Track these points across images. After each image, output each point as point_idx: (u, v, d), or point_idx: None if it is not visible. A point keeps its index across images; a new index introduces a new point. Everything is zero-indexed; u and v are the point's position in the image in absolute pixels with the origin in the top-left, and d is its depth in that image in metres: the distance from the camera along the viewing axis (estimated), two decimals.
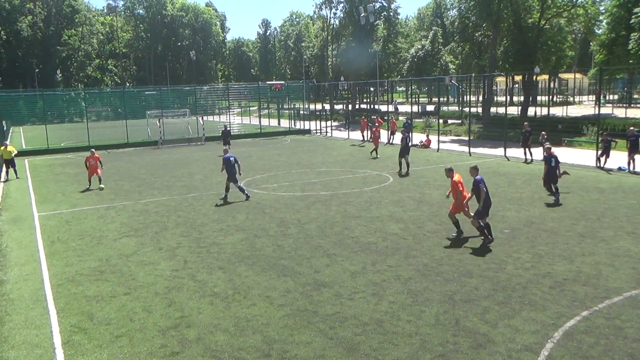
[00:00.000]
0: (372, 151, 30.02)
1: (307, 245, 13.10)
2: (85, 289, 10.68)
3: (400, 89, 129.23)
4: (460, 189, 12.99)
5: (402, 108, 68.69)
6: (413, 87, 70.04)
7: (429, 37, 70.73)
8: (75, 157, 34.74)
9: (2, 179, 25.53)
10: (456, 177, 13.10)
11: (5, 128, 44.06)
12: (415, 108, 57.86)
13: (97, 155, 22.68)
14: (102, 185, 22.36)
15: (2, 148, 26.04)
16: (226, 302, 9.72)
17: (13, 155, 26.15)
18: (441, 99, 68.28)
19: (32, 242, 14.49)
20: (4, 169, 26.50)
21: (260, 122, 51.33)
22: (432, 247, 12.58)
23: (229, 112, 55.54)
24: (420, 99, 79.18)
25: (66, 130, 48.44)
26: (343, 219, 15.59)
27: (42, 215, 17.79)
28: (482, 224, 12.37)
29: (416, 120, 47.55)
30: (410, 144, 24.10)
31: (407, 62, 69.20)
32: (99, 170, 22.46)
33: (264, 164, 28.45)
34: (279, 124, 57.54)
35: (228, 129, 34.98)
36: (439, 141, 33.12)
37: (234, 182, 18.47)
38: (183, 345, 8.16)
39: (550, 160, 17.00)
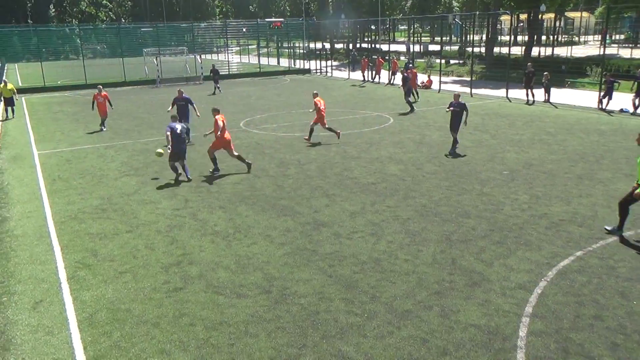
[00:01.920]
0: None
1: (307, 185, 13.18)
2: (88, 227, 10.82)
3: (402, 27, 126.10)
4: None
5: (403, 47, 67.17)
6: (415, 26, 68.38)
7: None
8: (73, 95, 34.33)
9: (1, 118, 25.31)
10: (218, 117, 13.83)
11: (0, 65, 43.31)
12: (417, 47, 56.66)
13: (105, 93, 21.75)
14: (104, 128, 21.60)
15: (2, 86, 25.63)
16: (227, 241, 9.88)
17: (13, 94, 25.74)
18: (444, 39, 66.77)
19: (33, 180, 14.56)
20: (2, 106, 26.20)
21: (259, 61, 50.45)
22: (431, 188, 12.66)
23: (227, 50, 54.37)
24: (422, 39, 77.43)
25: (62, 67, 47.69)
26: (343, 159, 15.61)
27: (42, 153, 17.78)
28: None
29: (418, 60, 46.70)
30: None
31: (410, 0, 67.20)
32: (107, 109, 21.55)
33: (263, 103, 28.17)
34: (278, 63, 56.53)
35: (216, 67, 34.85)
36: (440, 82, 32.68)
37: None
38: (185, 281, 8.36)
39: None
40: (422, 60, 48.03)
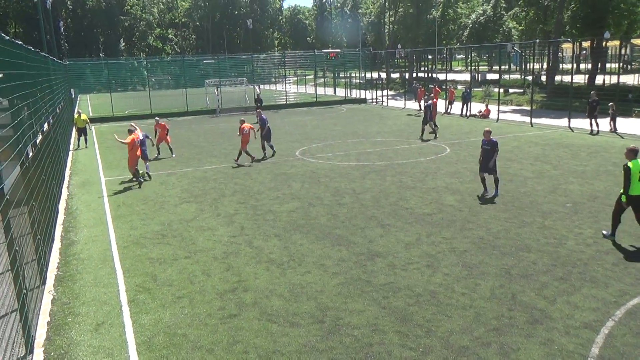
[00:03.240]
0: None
1: (362, 215, 13.13)
2: (149, 251, 11.18)
3: (460, 56, 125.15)
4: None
5: (461, 76, 66.57)
6: (473, 55, 67.72)
7: (491, 2, 67.79)
8: (139, 125, 35.92)
9: (73, 147, 26.75)
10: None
11: (73, 96, 46.01)
12: (474, 76, 56.01)
13: (162, 123, 22.45)
14: (173, 155, 22.13)
15: (77, 116, 27.16)
16: (281, 269, 9.93)
17: (86, 124, 27.14)
18: (502, 67, 65.77)
19: (99, 205, 15.25)
20: (75, 136, 27.69)
21: (315, 90, 51.24)
22: (489, 219, 12.33)
23: (285, 80, 55.61)
24: (480, 67, 76.50)
25: (130, 98, 50.15)
26: (398, 189, 15.48)
27: (108, 180, 18.63)
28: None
29: (475, 89, 46.10)
30: (430, 111, 25.10)
31: (467, 29, 66.76)
32: (168, 138, 22.29)
33: (320, 133, 28.48)
34: (334, 92, 57.21)
35: (261, 97, 37.50)
36: (499, 111, 32.05)
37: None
38: (240, 308, 8.44)
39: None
40: (480, 89, 47.35)
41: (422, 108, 36.63)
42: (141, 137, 17.97)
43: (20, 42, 10.65)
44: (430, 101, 25.36)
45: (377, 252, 10.59)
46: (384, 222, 12.50)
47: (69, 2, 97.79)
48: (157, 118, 23.43)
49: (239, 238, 11.79)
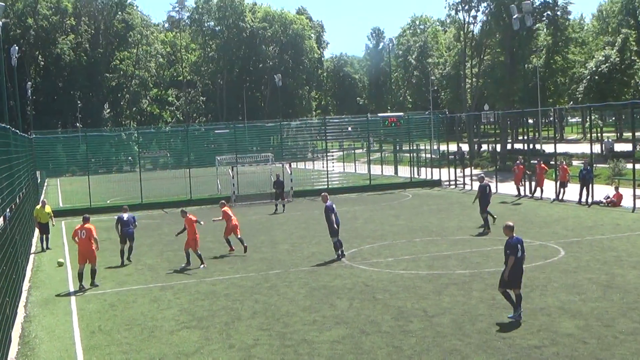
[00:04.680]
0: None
1: (438, 347, 12.87)
2: None
3: (573, 120, 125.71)
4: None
5: (577, 148, 66.52)
6: (593, 117, 67.89)
7: (617, 44, 68.69)
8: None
9: (35, 250, 27.58)
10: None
11: (39, 180, 48.01)
12: (597, 148, 55.86)
13: (190, 216, 22.41)
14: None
15: (39, 207, 28.17)
16: None
17: (50, 218, 28.01)
18: (638, 134, 65.47)
19: (66, 331, 15.43)
20: (37, 234, 28.58)
21: (369, 170, 51.92)
22: (629, 356, 11.90)
23: (327, 157, 56.83)
24: (603, 134, 76.48)
25: (114, 182, 51.98)
26: (490, 310, 15.17)
27: (80, 296, 18.97)
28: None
29: (599, 165, 45.79)
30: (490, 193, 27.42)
31: (584, 82, 67.42)
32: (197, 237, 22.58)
33: (375, 229, 28.55)
34: (395, 172, 57.82)
35: (281, 179, 38.05)
36: (635, 196, 31.60)
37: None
38: None
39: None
40: (606, 165, 46.97)
41: (532, 193, 36.63)
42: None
43: None
44: (485, 180, 27.51)
45: None
46: (471, 358, 12.21)
47: (40, 57, 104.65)
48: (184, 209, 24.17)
49: None
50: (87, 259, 19.75)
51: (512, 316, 14.37)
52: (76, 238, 19.91)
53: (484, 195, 26.86)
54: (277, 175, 39.23)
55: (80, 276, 19.87)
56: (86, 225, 19.86)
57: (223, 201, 24.75)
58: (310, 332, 14.31)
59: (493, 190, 41.28)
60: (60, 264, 23.57)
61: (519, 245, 14.51)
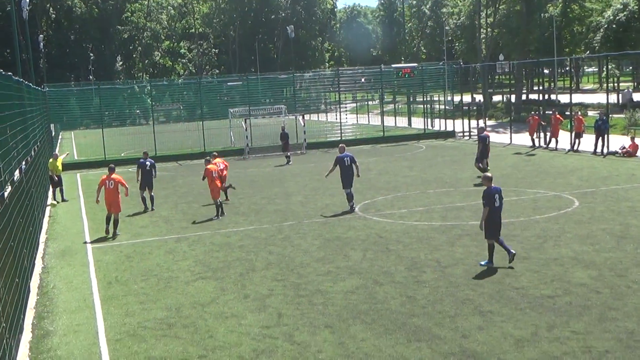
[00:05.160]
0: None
1: (451, 297, 12.96)
2: (150, 347, 11.35)
3: (590, 69, 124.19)
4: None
5: (592, 98, 65.79)
6: (610, 67, 66.98)
7: None
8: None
9: (50, 202, 27.82)
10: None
11: (53, 134, 48.20)
12: (613, 98, 55.22)
13: (221, 164, 23.80)
14: (227, 200, 24.22)
15: (51, 160, 28.30)
16: None
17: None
18: None
19: (84, 282, 15.67)
20: (51, 187, 28.78)
21: (382, 121, 51.69)
22: None
23: (340, 108, 56.53)
24: (620, 84, 75.52)
25: (127, 135, 52.08)
26: (503, 260, 15.20)
27: (97, 247, 19.20)
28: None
29: (615, 115, 45.36)
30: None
31: (601, 30, 66.33)
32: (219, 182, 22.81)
33: (388, 180, 28.56)
34: (409, 124, 57.60)
35: (286, 131, 38.28)
36: None
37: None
38: None
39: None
40: (622, 115, 46.55)
41: (547, 144, 36.44)
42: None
43: None
44: (484, 133, 28.05)
45: (474, 351, 10.37)
46: (484, 308, 12.28)
47: (51, 10, 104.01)
48: (214, 153, 25.21)
49: (274, 330, 11.81)
50: (113, 208, 20.43)
51: (484, 263, 14.91)
52: (103, 187, 20.58)
53: (484, 146, 27.42)
54: (282, 127, 39.26)
55: (107, 220, 20.56)
56: (113, 176, 20.55)
57: (208, 158, 23.83)
58: (324, 282, 14.43)
59: (507, 140, 41.19)
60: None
61: (496, 195, 14.69)
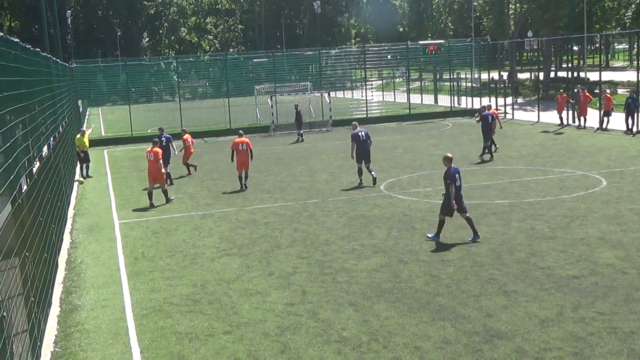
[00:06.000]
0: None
1: (475, 277, 12.94)
2: (176, 323, 11.49)
3: (620, 46, 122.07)
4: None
5: (623, 75, 64.73)
6: None
7: None
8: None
9: (77, 178, 28.11)
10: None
11: (81, 109, 48.64)
12: None
13: (246, 139, 23.44)
14: (246, 186, 23.37)
15: (78, 136, 28.56)
16: (359, 352, 9.90)
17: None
18: None
19: (111, 257, 15.88)
20: (78, 163, 29.10)
21: (409, 99, 51.43)
22: None
23: (366, 85, 56.30)
24: None
25: (154, 112, 52.35)
26: (529, 240, 15.13)
27: (124, 223, 19.42)
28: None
29: None
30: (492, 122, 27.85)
31: (633, 6, 65.15)
32: (249, 161, 23.25)
33: (414, 158, 28.46)
34: (435, 101, 57.23)
35: (299, 109, 38.74)
36: None
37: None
38: None
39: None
40: None
41: (580, 122, 36.01)
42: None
43: (14, 39, 11.47)
44: (487, 111, 28.17)
45: (498, 331, 10.36)
46: (508, 287, 12.24)
47: None
48: (240, 132, 24.84)
49: (298, 307, 11.89)
50: (155, 179, 21.32)
51: (472, 239, 15.31)
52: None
53: (486, 124, 27.45)
54: (295, 105, 39.34)
55: (150, 195, 21.37)
56: (154, 149, 21.35)
57: (184, 128, 28.23)
58: (348, 260, 14.47)
59: (534, 119, 40.78)
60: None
61: (456, 175, 15.24)
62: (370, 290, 12.54)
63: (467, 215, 15.44)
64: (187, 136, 27.02)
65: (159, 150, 21.45)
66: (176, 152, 25.64)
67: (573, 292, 11.86)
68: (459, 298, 11.87)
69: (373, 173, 22.44)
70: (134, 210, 20.97)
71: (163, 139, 24.64)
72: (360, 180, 22.70)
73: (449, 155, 15.62)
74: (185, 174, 26.86)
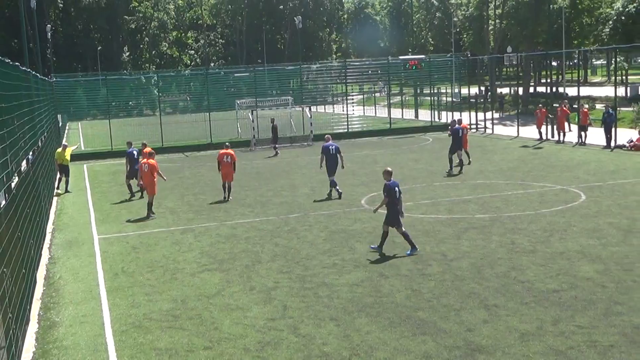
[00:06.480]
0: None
1: (456, 291, 12.97)
2: (155, 339, 11.40)
3: (598, 62, 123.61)
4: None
5: (601, 91, 65.49)
6: (619, 59, 66.63)
7: None
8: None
9: (58, 192, 27.86)
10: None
11: (60, 124, 48.31)
12: (621, 91, 54.97)
13: (230, 151, 24.02)
14: (230, 198, 23.82)
15: (60, 150, 28.37)
16: None
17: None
18: None
19: (90, 273, 15.73)
20: (58, 176, 28.88)
21: (389, 113, 51.62)
22: None
23: (347, 100, 56.49)
24: (629, 77, 75.17)
25: (134, 126, 52.08)
26: (509, 254, 15.21)
27: (103, 238, 19.26)
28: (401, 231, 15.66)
29: (623, 109, 45.16)
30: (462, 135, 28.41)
31: (610, 22, 65.95)
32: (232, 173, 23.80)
33: (395, 173, 28.41)
34: (416, 116, 57.49)
35: (275, 123, 39.26)
36: None
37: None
38: None
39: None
40: (630, 109, 46.33)
41: (559, 138, 36.22)
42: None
43: None
44: (457, 126, 28.71)
45: (479, 345, 10.39)
46: (489, 301, 12.29)
47: (59, 0, 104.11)
48: (227, 144, 25.18)
49: (279, 322, 11.85)
50: (147, 191, 22.05)
51: (409, 252, 15.61)
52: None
53: (456, 138, 27.88)
54: (271, 119, 39.62)
55: (149, 205, 21.78)
56: (150, 161, 21.81)
57: (144, 142, 26.36)
58: (329, 275, 14.46)
59: (514, 133, 41.05)
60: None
61: (396, 188, 15.87)
62: (352, 304, 12.52)
63: (403, 230, 15.70)
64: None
65: (154, 162, 21.74)
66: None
67: (553, 305, 11.93)
68: (439, 312, 11.89)
69: (337, 188, 23.00)
70: (113, 225, 20.83)
71: (135, 152, 25.02)
72: (330, 192, 23.22)
73: (389, 169, 16.36)
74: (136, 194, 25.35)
